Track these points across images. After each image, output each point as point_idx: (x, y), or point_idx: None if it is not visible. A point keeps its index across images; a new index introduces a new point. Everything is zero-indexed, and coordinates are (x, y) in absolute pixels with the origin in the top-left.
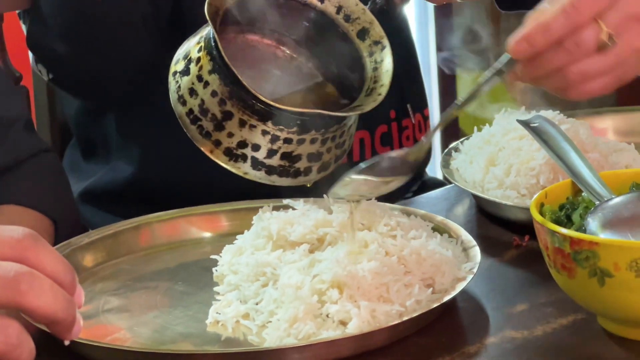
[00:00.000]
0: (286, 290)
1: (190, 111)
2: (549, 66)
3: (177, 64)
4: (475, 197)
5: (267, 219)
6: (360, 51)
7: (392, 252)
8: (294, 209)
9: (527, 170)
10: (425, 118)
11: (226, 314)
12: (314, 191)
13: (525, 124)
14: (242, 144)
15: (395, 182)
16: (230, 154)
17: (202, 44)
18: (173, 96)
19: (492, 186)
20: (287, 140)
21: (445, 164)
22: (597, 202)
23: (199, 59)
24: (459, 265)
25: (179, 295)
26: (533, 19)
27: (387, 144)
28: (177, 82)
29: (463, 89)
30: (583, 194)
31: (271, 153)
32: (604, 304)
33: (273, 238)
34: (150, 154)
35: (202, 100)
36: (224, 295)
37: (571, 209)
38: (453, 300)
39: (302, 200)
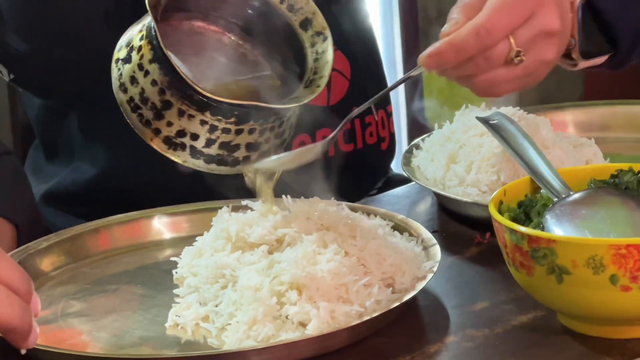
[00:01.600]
0: (245, 292)
1: (131, 99)
2: (458, 74)
3: (119, 51)
4: (437, 194)
5: (226, 220)
6: (302, 41)
7: (351, 252)
8: (252, 209)
9: (488, 167)
10: (389, 114)
11: (186, 317)
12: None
13: (485, 121)
14: (181, 133)
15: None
16: (169, 143)
17: (144, 32)
18: (115, 83)
19: (453, 184)
20: (225, 130)
21: (407, 162)
22: (555, 199)
23: (140, 48)
24: (419, 264)
25: (139, 298)
26: (445, 34)
27: (350, 141)
28: (119, 69)
29: (429, 84)
30: (542, 191)
31: (210, 142)
32: (562, 301)
33: (232, 239)
34: (113, 155)
35: (143, 89)
36: (184, 298)
37: (530, 206)
38: (413, 299)
39: (260, 200)
